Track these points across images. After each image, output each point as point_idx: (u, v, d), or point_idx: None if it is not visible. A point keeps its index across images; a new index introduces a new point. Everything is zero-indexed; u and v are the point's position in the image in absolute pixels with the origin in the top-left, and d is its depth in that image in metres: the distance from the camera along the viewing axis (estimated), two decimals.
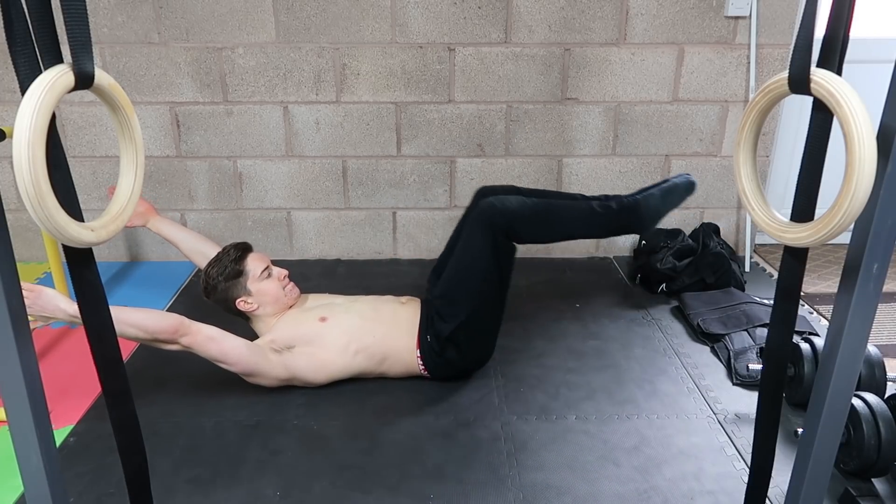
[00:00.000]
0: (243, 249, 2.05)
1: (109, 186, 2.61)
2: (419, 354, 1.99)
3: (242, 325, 2.07)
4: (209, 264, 2.05)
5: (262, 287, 2.01)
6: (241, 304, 2.01)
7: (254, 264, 2.02)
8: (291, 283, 2.09)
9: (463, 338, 1.97)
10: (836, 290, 1.03)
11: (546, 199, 2.03)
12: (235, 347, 1.85)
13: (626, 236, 3.00)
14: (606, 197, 2.09)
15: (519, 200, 1.97)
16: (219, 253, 2.06)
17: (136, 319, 1.74)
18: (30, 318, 1.65)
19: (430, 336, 1.98)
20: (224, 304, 2.03)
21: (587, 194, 2.17)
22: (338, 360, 1.97)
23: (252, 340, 1.94)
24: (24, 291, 1.64)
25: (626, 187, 2.91)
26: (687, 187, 2.07)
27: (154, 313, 1.78)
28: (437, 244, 2.98)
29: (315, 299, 2.15)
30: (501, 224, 1.90)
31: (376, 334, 1.99)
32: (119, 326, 1.69)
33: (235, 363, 1.86)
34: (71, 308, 1.69)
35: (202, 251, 2.23)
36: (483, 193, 2.12)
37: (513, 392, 2.02)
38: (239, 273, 2.00)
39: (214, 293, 2.02)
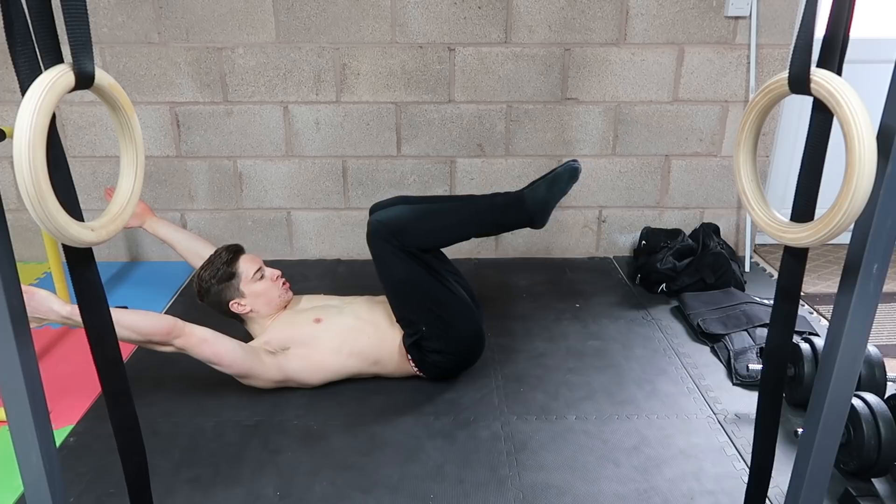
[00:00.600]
0: (235, 251, 2.05)
1: (107, 188, 2.61)
2: (410, 357, 1.99)
3: (238, 328, 2.07)
4: (201, 267, 2.04)
5: (255, 288, 2.01)
6: (235, 307, 2.01)
7: (246, 266, 2.02)
8: (285, 284, 2.09)
9: (436, 344, 1.96)
10: (836, 290, 1.03)
11: (430, 204, 2.02)
12: (229, 349, 1.85)
13: (626, 236, 3.00)
14: (495, 194, 2.08)
15: (400, 209, 1.96)
16: (211, 256, 2.06)
17: (129, 321, 1.73)
18: None
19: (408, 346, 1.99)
20: (218, 307, 2.03)
21: (476, 194, 2.16)
22: (332, 361, 1.97)
23: (246, 342, 1.94)
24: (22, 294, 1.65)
25: (626, 187, 2.92)
26: (571, 173, 2.00)
27: (147, 315, 1.78)
28: None
29: (309, 300, 2.14)
30: (389, 235, 1.89)
31: (370, 336, 1.99)
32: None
33: (229, 365, 1.86)
34: (64, 310, 1.69)
35: (198, 252, 2.23)
36: (372, 211, 2.11)
37: (513, 392, 2.02)
38: (231, 275, 2.00)
39: (207, 296, 2.02)
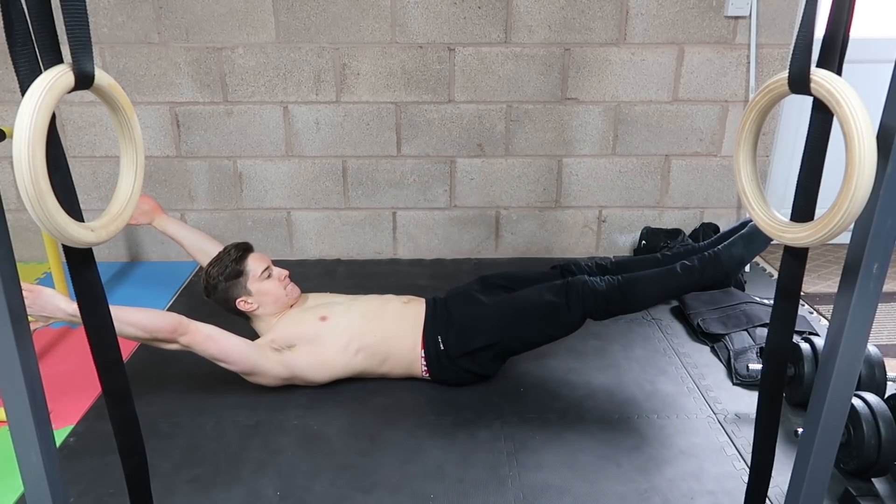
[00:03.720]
0: (244, 249, 2.05)
1: (113, 186, 2.61)
2: (423, 355, 1.99)
3: (243, 325, 2.07)
4: (210, 264, 2.05)
5: (263, 287, 2.01)
6: (242, 304, 2.01)
7: (254, 264, 2.02)
8: (292, 283, 2.09)
9: (483, 354, 1.98)
10: (836, 290, 1.03)
11: (630, 275, 2.05)
12: (235, 346, 1.85)
13: (626, 236, 3.00)
14: (687, 252, 2.14)
15: (607, 282, 2.00)
16: (219, 252, 2.07)
17: (135, 319, 1.74)
18: (29, 318, 1.65)
19: (444, 337, 1.98)
20: (224, 304, 2.03)
21: (668, 252, 2.24)
22: (339, 359, 1.97)
23: (253, 340, 1.94)
24: (23, 292, 1.65)
25: (626, 187, 2.91)
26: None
27: (153, 312, 1.79)
28: (437, 244, 2.99)
29: (315, 298, 2.15)
30: (591, 306, 1.94)
31: (378, 334, 1.99)
32: (118, 326, 1.69)
33: (235, 362, 1.86)
34: (70, 307, 1.70)
35: (206, 250, 2.24)
36: (569, 270, 2.21)
37: (513, 392, 2.02)
38: (239, 273, 2.00)
39: (215, 293, 2.02)
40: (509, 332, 1.97)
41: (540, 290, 2.00)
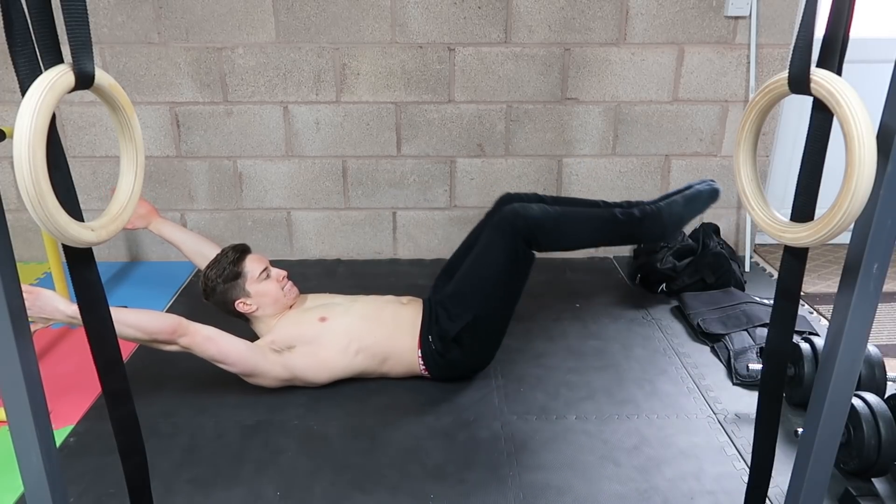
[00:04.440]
0: (241, 251, 2.05)
1: (112, 186, 2.61)
2: (420, 355, 1.99)
3: (243, 327, 2.07)
4: (208, 266, 2.05)
5: (261, 288, 2.01)
6: (241, 306, 2.01)
7: (252, 266, 2.02)
8: (290, 284, 2.09)
9: (468, 339, 1.97)
10: (836, 290, 1.03)
11: (568, 208, 2.02)
12: (235, 347, 1.85)
13: None
14: (629, 204, 2.08)
15: (542, 208, 1.97)
16: (217, 255, 2.06)
17: (134, 320, 1.74)
18: (29, 320, 1.65)
19: (433, 336, 1.98)
20: (223, 306, 2.03)
21: (609, 201, 2.16)
22: (339, 359, 1.97)
23: (252, 342, 1.94)
24: (22, 293, 1.65)
25: (626, 187, 2.91)
26: (711, 194, 2.04)
27: (152, 314, 1.78)
28: (437, 244, 2.99)
29: (315, 299, 2.14)
30: (524, 231, 1.90)
31: (377, 335, 1.99)
32: (117, 327, 1.68)
33: (234, 363, 1.86)
34: (69, 309, 1.70)
35: (203, 252, 2.23)
36: (506, 200, 2.12)
37: (513, 392, 2.02)
38: (237, 275, 2.00)
39: (213, 295, 2.02)
40: (476, 305, 1.95)
41: (480, 247, 1.98)
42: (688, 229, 2.87)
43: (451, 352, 1.98)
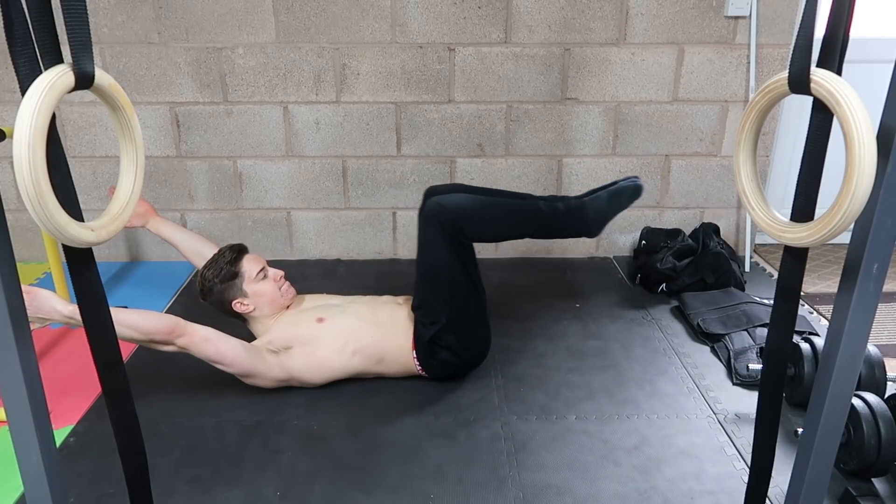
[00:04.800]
0: (238, 251, 2.05)
1: (110, 186, 2.61)
2: (415, 355, 1.99)
3: (240, 327, 2.07)
4: (205, 266, 2.05)
5: (258, 288, 2.01)
6: (238, 306, 2.01)
7: (249, 266, 2.02)
8: (287, 284, 2.09)
9: (450, 339, 1.97)
10: (836, 290, 1.03)
11: (492, 197, 2.00)
12: (232, 348, 1.85)
13: (626, 236, 3.00)
14: (554, 198, 2.06)
15: (465, 198, 1.94)
16: (214, 255, 2.06)
17: (131, 321, 1.74)
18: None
19: (419, 340, 1.98)
20: (220, 306, 2.03)
21: (536, 194, 2.15)
22: (335, 360, 1.97)
23: (249, 342, 1.94)
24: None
25: None
26: (634, 190, 2.01)
27: (150, 314, 1.78)
28: None
29: (312, 300, 2.15)
30: (448, 222, 1.88)
31: (374, 335, 1.99)
32: (115, 327, 1.69)
33: (231, 364, 1.86)
34: (67, 309, 1.69)
35: (201, 252, 2.23)
36: (430, 193, 2.09)
37: (513, 392, 2.02)
38: (234, 275, 2.00)
39: (210, 295, 2.02)
40: (441, 309, 1.94)
41: (418, 249, 1.95)
42: (688, 229, 2.88)
43: (439, 353, 1.98)
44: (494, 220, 1.96)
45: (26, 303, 1.65)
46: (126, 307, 1.84)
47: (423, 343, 1.97)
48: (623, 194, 2.01)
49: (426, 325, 1.96)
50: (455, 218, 1.88)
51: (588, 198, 2.01)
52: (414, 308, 2.00)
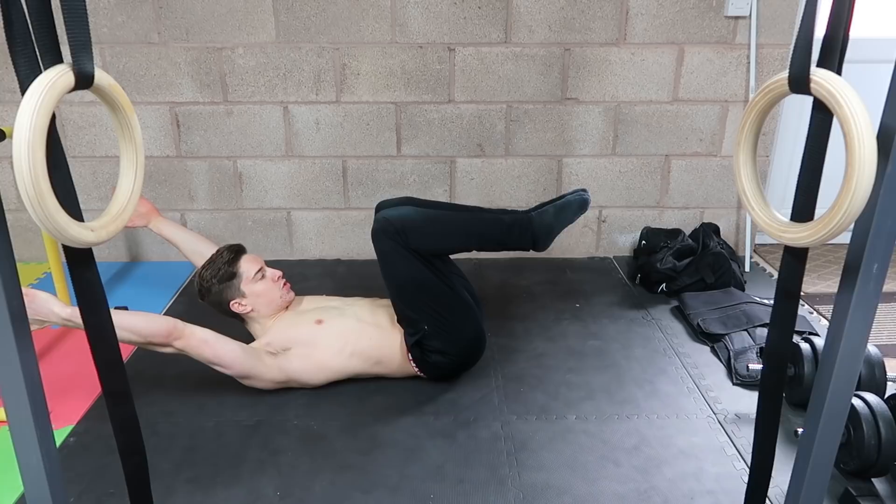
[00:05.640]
0: (236, 251, 2.05)
1: (113, 186, 2.61)
2: (411, 357, 2.00)
3: (239, 328, 2.07)
4: (203, 266, 2.05)
5: (256, 289, 2.01)
6: (236, 306, 2.01)
7: (247, 266, 2.02)
8: (285, 284, 2.09)
9: (437, 343, 1.97)
10: (836, 290, 1.03)
11: (439, 210, 2.02)
12: (230, 350, 1.85)
13: (626, 236, 3.00)
14: (503, 211, 2.08)
15: (409, 210, 1.96)
16: (212, 255, 2.06)
17: (129, 323, 1.74)
18: None
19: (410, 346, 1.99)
20: (218, 306, 2.03)
21: (484, 207, 2.16)
22: (334, 361, 1.97)
23: (247, 343, 1.94)
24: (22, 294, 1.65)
25: (626, 187, 2.92)
26: (581, 204, 2.01)
27: (147, 316, 1.78)
28: None
29: (310, 301, 2.15)
30: (396, 232, 1.89)
31: (372, 337, 1.99)
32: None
33: (230, 366, 1.86)
34: (65, 312, 1.69)
35: (201, 252, 2.23)
36: (378, 208, 2.10)
37: (513, 392, 2.02)
38: (232, 275, 2.00)
39: (208, 295, 2.02)
40: (419, 318, 1.94)
41: (379, 264, 1.96)
42: (688, 229, 2.88)
43: (430, 356, 1.98)
44: (440, 233, 1.96)
45: (24, 305, 1.65)
46: (126, 308, 1.84)
47: (413, 347, 1.98)
48: (569, 208, 2.01)
49: (410, 335, 1.97)
50: (400, 230, 1.89)
51: (535, 213, 2.02)
52: (397, 321, 2.01)
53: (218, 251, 2.06)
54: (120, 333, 1.70)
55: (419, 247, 1.92)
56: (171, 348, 1.80)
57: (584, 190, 2.04)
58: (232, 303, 2.01)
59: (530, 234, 1.99)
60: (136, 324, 1.74)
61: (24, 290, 1.65)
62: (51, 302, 1.70)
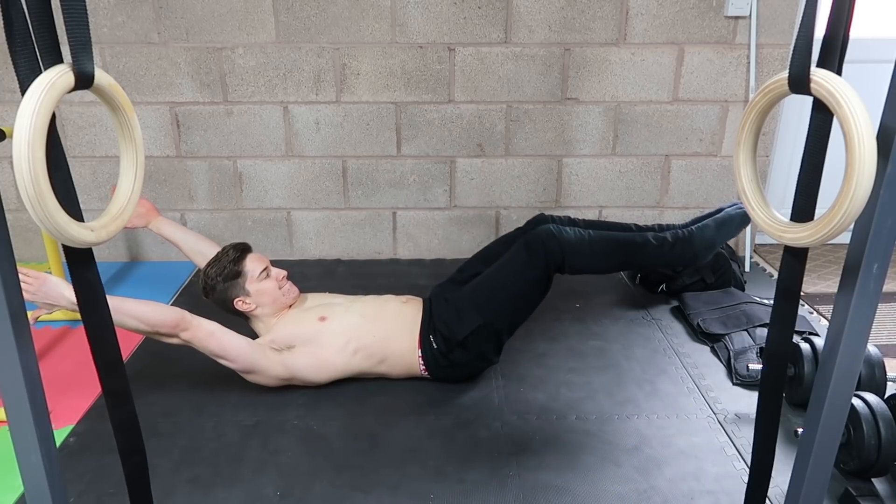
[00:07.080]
0: (242, 250, 2.05)
1: (112, 185, 2.61)
2: (420, 355, 1.99)
3: (243, 326, 2.07)
4: (208, 264, 2.05)
5: (261, 287, 2.01)
6: (240, 305, 2.01)
7: (252, 265, 2.02)
8: (290, 284, 2.09)
9: (473, 342, 1.97)
10: (836, 290, 1.03)
11: (601, 232, 2.03)
12: (236, 343, 1.85)
13: None
14: (661, 227, 2.09)
15: (576, 232, 1.99)
16: (218, 253, 2.07)
17: (138, 311, 1.74)
18: (33, 304, 1.65)
19: (435, 336, 1.98)
20: (223, 304, 2.03)
21: (641, 224, 2.20)
22: (337, 359, 1.97)
23: (252, 340, 1.95)
24: (28, 278, 1.65)
25: (626, 187, 2.91)
26: (743, 218, 2.04)
27: (156, 306, 1.79)
28: (437, 244, 2.99)
29: (315, 299, 2.15)
30: (555, 252, 1.92)
31: (376, 334, 1.99)
32: (120, 317, 1.69)
33: (235, 359, 1.86)
34: (74, 296, 1.69)
35: (202, 251, 2.23)
36: (540, 220, 2.13)
37: (513, 392, 2.02)
38: (237, 274, 2.00)
39: (213, 293, 2.02)
40: (489, 311, 1.96)
41: (505, 258, 2.00)
42: None
43: (454, 352, 1.98)
44: (603, 255, 1.99)
45: (34, 288, 1.66)
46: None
47: (444, 338, 1.96)
48: (732, 222, 2.02)
49: (462, 319, 1.95)
50: (565, 250, 1.92)
51: (695, 227, 2.03)
52: (460, 297, 2.00)
53: (224, 249, 2.07)
54: (128, 322, 1.72)
55: (576, 266, 1.96)
56: (177, 339, 1.80)
57: (740, 204, 2.05)
58: (236, 301, 2.01)
59: (692, 250, 2.01)
60: (144, 313, 1.75)
61: (34, 272, 1.67)
62: (61, 286, 1.70)
